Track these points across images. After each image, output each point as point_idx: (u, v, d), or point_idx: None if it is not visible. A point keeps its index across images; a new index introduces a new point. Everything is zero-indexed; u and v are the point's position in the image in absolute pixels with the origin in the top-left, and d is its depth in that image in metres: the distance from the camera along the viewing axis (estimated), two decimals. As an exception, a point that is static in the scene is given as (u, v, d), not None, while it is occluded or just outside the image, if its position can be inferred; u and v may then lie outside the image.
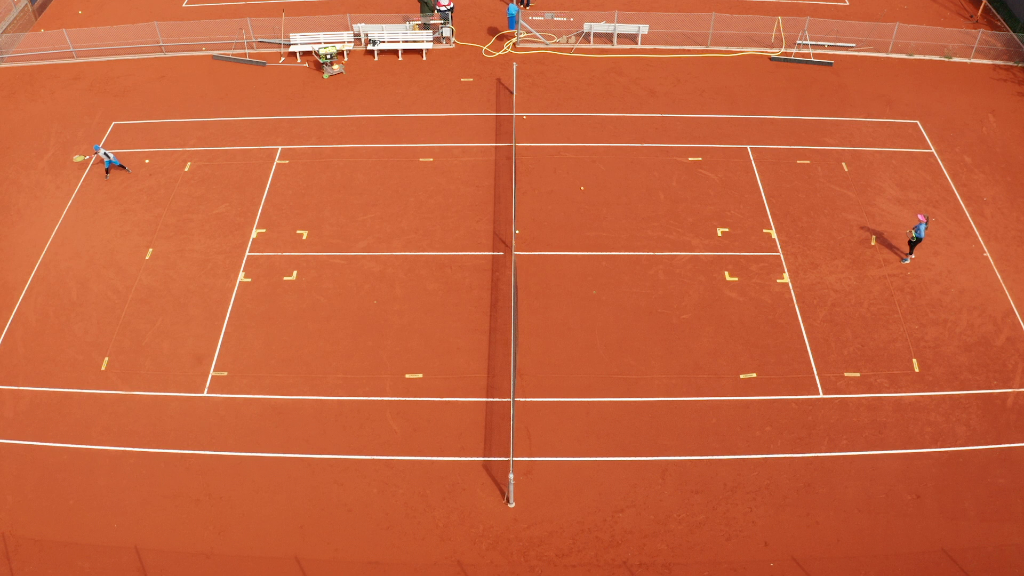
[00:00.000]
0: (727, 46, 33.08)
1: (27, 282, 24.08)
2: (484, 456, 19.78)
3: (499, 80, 31.45)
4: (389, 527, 18.52)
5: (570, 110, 29.81)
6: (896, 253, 24.50)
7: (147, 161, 27.74)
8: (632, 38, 33.32)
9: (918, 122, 29.41)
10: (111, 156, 26.76)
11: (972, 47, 32.65)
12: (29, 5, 35.40)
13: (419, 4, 34.74)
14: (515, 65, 30.77)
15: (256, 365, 21.78)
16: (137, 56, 33.16)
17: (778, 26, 33.38)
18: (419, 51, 33.07)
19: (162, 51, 33.28)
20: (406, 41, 32.77)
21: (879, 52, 32.82)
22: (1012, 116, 29.70)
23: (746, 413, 20.61)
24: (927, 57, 32.69)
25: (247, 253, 24.75)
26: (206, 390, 21.24)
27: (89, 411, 20.81)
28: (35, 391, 21.31)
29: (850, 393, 21.04)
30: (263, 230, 25.46)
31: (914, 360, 21.79)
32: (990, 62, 32.42)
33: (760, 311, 22.95)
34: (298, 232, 25.35)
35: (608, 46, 33.15)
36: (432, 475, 19.44)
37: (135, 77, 32.05)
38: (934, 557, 17.92)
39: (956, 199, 26.35)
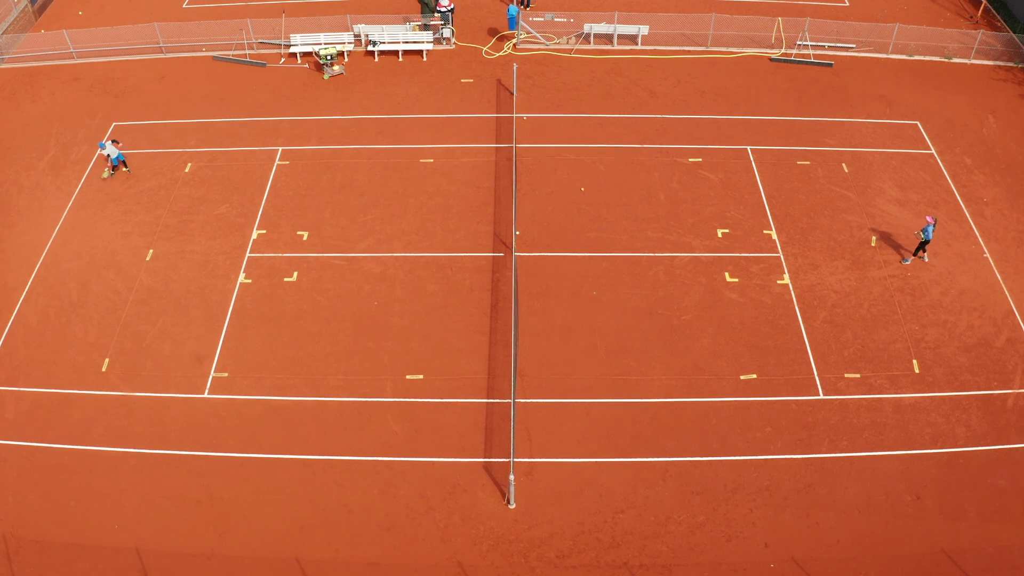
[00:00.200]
0: (727, 47, 33.09)
1: (28, 283, 24.09)
2: (485, 457, 19.79)
3: (499, 81, 31.45)
4: (390, 528, 18.53)
5: (570, 111, 29.81)
6: (896, 254, 24.52)
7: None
8: (632, 39, 33.33)
9: (918, 123, 29.42)
10: (117, 151, 26.71)
11: (972, 48, 32.66)
12: (29, 6, 35.40)
13: (419, 5, 34.74)
14: (515, 66, 30.78)
15: (257, 366, 21.79)
16: (137, 57, 33.16)
17: (778, 27, 33.38)
18: (419, 52, 33.08)
19: (162, 52, 33.28)
20: (406, 42, 32.77)
21: (879, 53, 32.83)
22: (1012, 117, 29.70)
23: (746, 414, 20.62)
24: (927, 58, 32.70)
25: (248, 254, 24.76)
26: (207, 391, 21.25)
27: (90, 412, 20.82)
28: (36, 392, 21.31)
29: (850, 394, 21.05)
30: (263, 231, 25.46)
31: (914, 361, 21.81)
32: (990, 63, 32.43)
33: (760, 312, 22.96)
34: (299, 233, 25.36)
35: (608, 47, 33.16)
36: (433, 476, 19.46)
37: (135, 78, 32.06)
38: (934, 558, 17.93)
39: (956, 200, 26.36)
